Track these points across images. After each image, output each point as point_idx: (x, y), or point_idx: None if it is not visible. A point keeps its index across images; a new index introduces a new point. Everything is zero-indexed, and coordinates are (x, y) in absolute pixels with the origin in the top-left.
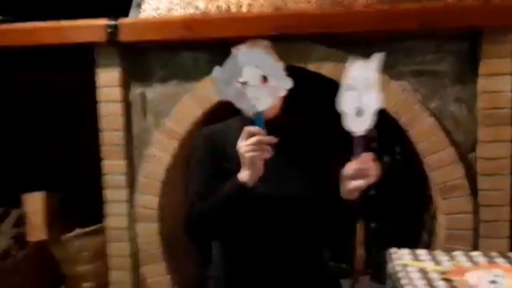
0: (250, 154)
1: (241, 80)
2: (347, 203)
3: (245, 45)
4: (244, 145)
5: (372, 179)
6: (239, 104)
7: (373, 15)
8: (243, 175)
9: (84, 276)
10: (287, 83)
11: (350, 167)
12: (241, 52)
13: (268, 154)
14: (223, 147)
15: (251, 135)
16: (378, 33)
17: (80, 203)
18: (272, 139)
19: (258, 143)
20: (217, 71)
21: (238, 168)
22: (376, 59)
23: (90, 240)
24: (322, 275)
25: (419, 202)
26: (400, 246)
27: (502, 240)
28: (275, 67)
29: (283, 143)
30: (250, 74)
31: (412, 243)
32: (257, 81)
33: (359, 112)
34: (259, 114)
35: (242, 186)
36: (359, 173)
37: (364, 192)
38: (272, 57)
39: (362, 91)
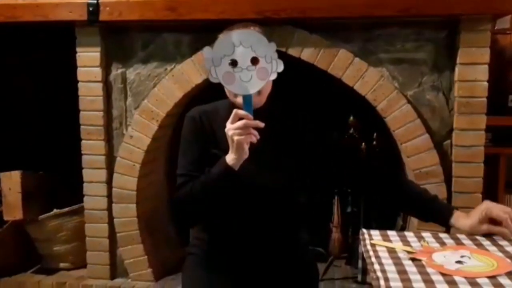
0: (237, 137)
1: (231, 60)
2: None
3: (237, 25)
4: (232, 128)
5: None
6: (229, 87)
7: (354, 1)
8: (230, 158)
9: (61, 256)
10: (279, 66)
11: (500, 211)
12: (234, 32)
13: (254, 138)
14: (211, 129)
15: (240, 118)
16: (358, 19)
17: (69, 182)
18: (259, 124)
19: (245, 127)
20: (208, 51)
21: (226, 150)
22: None
23: (67, 220)
24: (302, 258)
25: None
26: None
27: None
28: (268, 49)
29: (269, 129)
30: (241, 55)
31: (387, 228)
32: (248, 62)
33: None
34: (248, 97)
35: (228, 168)
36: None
37: None
38: (265, 38)
39: None
